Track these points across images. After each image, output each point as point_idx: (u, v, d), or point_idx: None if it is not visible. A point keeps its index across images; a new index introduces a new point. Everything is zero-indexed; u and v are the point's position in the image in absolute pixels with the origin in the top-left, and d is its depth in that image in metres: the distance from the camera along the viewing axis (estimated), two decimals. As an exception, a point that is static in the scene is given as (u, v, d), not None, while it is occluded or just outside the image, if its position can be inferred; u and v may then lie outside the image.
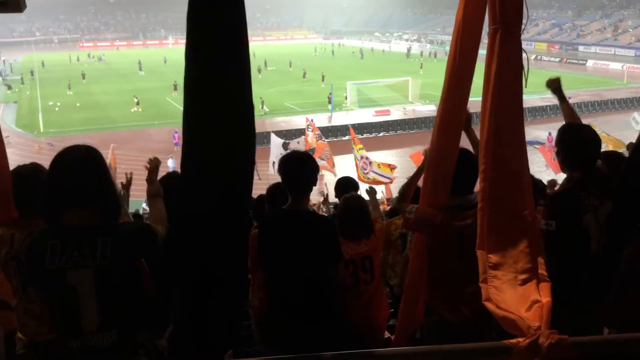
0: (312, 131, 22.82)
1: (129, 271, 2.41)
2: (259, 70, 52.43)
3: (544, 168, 23.05)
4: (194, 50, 2.36)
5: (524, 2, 2.62)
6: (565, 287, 2.78)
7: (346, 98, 43.49)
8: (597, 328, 3.27)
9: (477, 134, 3.09)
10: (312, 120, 24.18)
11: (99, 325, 2.36)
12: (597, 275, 3.23)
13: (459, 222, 3.28)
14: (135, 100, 43.54)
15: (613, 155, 4.03)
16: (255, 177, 2.68)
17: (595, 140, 3.35)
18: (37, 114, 41.87)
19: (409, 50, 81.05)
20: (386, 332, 4.46)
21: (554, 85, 4.01)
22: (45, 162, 2.69)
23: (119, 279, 2.37)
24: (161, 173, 3.57)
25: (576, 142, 3.34)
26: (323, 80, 51.73)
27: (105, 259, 2.31)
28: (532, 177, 3.75)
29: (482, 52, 2.66)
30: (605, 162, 3.72)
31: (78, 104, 44.76)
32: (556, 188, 3.75)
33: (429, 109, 39.46)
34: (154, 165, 3.35)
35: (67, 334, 2.38)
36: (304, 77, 55.33)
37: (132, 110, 42.67)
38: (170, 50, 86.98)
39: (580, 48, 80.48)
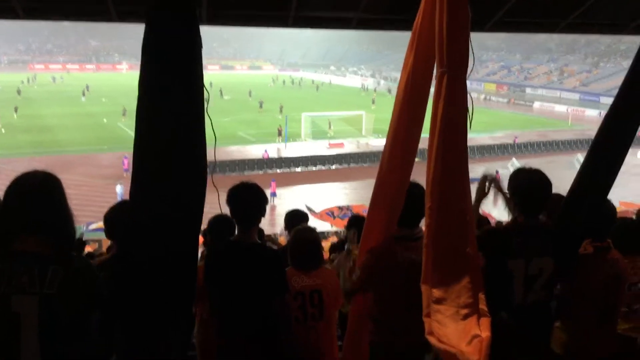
0: None
1: (75, 304, 2.31)
2: (207, 101, 51.47)
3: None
4: (148, 78, 2.38)
5: (470, 47, 2.75)
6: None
7: (280, 130, 42.78)
8: None
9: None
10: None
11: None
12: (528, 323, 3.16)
13: (403, 251, 3.35)
14: None
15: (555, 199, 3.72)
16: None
17: (542, 186, 3.20)
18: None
19: (363, 85, 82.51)
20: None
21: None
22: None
23: (63, 311, 2.27)
24: (111, 199, 3.52)
25: (523, 186, 3.22)
26: (261, 106, 53.63)
27: (53, 287, 2.23)
28: (479, 214, 3.83)
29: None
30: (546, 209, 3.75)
31: (25, 126, 43.58)
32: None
33: (382, 143, 39.91)
34: None
35: None
36: (260, 107, 55.42)
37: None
38: (123, 76, 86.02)
39: (528, 90, 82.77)
